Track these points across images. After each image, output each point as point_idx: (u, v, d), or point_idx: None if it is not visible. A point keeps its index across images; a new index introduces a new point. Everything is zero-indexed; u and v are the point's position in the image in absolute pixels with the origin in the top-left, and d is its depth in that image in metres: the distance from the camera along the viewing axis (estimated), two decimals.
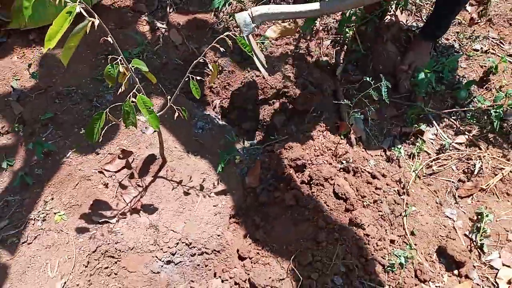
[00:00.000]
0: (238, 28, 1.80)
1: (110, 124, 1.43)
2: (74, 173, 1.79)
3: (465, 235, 1.70)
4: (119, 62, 1.27)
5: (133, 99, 1.34)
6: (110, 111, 1.37)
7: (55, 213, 1.69)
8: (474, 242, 1.68)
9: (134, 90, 1.35)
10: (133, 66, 1.33)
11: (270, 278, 1.55)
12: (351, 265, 1.52)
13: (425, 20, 2.39)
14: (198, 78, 1.42)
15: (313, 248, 1.58)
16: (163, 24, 2.36)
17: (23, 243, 1.62)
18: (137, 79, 1.38)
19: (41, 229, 1.65)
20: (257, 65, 1.80)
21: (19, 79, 2.08)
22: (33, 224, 1.66)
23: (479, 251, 1.67)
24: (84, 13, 1.07)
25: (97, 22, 1.12)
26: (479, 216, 1.71)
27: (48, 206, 1.70)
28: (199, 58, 1.39)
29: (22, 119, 1.94)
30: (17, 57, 2.17)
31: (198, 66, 1.63)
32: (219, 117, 2.15)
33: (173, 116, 1.48)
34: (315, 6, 1.74)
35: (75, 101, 2.00)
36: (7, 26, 2.17)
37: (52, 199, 1.73)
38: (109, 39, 1.21)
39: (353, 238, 1.57)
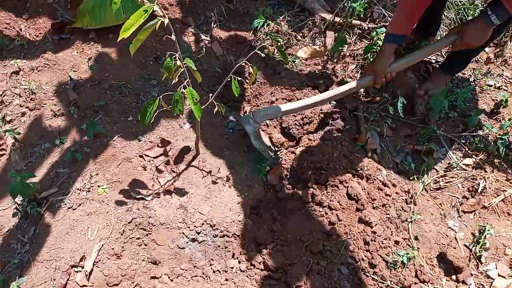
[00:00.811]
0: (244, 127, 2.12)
1: (161, 109, 1.66)
2: (118, 155, 2.02)
3: (466, 245, 1.85)
4: (177, 58, 1.51)
5: (183, 90, 1.58)
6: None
7: (98, 186, 1.91)
8: (473, 253, 1.82)
9: (184, 83, 1.59)
10: (185, 64, 1.57)
11: (282, 262, 1.72)
12: (357, 258, 1.69)
13: (444, 56, 2.60)
14: (239, 78, 1.65)
15: (324, 239, 1.75)
16: (207, 36, 2.64)
17: (68, 208, 1.84)
18: (187, 75, 1.62)
19: (85, 198, 1.87)
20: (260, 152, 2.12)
21: (76, 71, 2.36)
22: (78, 194, 1.89)
23: (477, 261, 1.80)
24: (159, 12, 1.32)
25: (166, 21, 1.37)
26: (480, 231, 1.86)
27: (93, 180, 1.93)
28: (241, 62, 1.63)
29: (76, 105, 2.20)
30: (77, 52, 2.47)
31: (235, 73, 1.88)
32: None
33: (213, 110, 1.72)
34: (311, 100, 2.06)
35: (124, 94, 2.27)
36: (72, 24, 2.49)
37: (97, 174, 1.96)
38: (173, 36, 1.46)
39: (361, 234, 1.74)
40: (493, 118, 2.28)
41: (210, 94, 1.78)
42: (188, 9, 2.80)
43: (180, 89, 1.56)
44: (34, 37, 2.47)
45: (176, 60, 1.51)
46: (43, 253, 1.71)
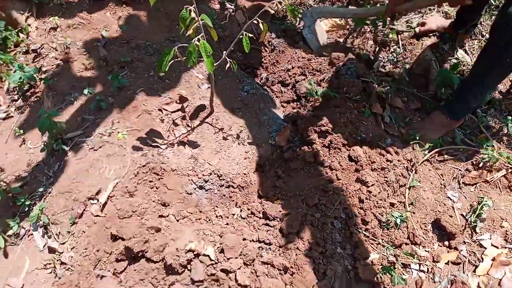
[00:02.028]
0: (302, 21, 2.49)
1: (176, 60, 1.77)
2: (139, 107, 2.18)
3: (462, 215, 1.89)
4: (192, 10, 1.63)
5: (197, 43, 1.69)
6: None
7: (118, 132, 2.07)
8: (469, 223, 1.85)
9: (199, 36, 1.70)
10: (202, 20, 1.68)
11: (280, 211, 1.83)
12: (351, 213, 1.77)
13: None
14: (250, 35, 1.74)
15: (321, 195, 1.84)
16: (232, 5, 2.75)
17: (90, 149, 2.01)
18: (202, 29, 1.73)
19: (106, 141, 2.04)
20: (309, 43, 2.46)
21: (108, 30, 2.53)
22: (100, 137, 2.06)
23: (472, 230, 1.84)
24: None
25: None
26: (479, 203, 1.89)
27: (114, 127, 2.09)
28: (252, 19, 1.73)
29: (105, 60, 2.38)
30: (110, 13, 2.64)
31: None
32: (264, 87, 2.48)
33: (225, 66, 1.83)
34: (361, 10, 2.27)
35: (150, 53, 2.42)
36: None
37: (118, 122, 2.12)
38: None
39: (356, 192, 1.81)
40: (508, 97, 2.27)
41: (224, 51, 1.89)
42: None
43: (194, 41, 1.68)
44: None
45: (192, 11, 1.63)
46: (64, 185, 1.90)
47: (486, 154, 1.99)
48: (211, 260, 1.68)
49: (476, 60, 1.91)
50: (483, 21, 2.66)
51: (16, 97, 2.33)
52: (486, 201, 1.86)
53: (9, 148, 2.13)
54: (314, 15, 2.50)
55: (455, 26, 2.44)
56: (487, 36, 2.57)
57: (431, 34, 2.56)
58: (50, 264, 1.74)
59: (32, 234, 1.82)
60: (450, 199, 1.94)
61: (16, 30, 2.51)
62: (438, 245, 1.81)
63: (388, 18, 2.35)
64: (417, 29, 2.59)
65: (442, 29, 2.52)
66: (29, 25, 2.57)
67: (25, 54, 2.47)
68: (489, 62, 1.80)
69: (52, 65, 2.36)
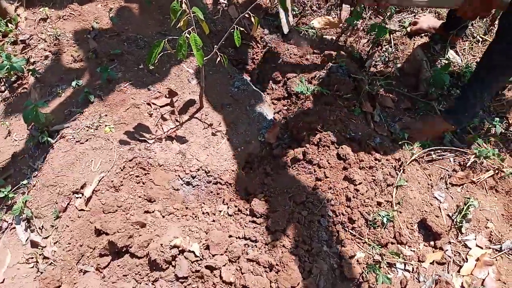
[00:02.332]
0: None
1: (167, 52, 1.75)
2: (127, 100, 2.15)
3: (448, 215, 1.89)
4: (183, 1, 1.61)
5: (187, 35, 1.67)
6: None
7: (106, 126, 2.05)
8: (455, 223, 1.86)
9: (189, 29, 1.68)
10: (193, 12, 1.66)
11: (267, 208, 1.82)
12: (338, 211, 1.76)
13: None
14: (241, 29, 1.73)
15: (308, 192, 1.83)
16: (224, 0, 2.73)
17: (76, 142, 1.99)
18: (193, 22, 1.71)
19: (93, 135, 2.02)
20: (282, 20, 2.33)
21: (99, 23, 2.50)
22: (87, 130, 2.03)
23: (458, 231, 1.84)
24: None
25: None
26: (465, 203, 1.89)
27: (102, 120, 2.07)
28: (243, 13, 1.71)
29: (95, 52, 2.34)
30: (101, 5, 2.60)
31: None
32: (255, 83, 2.47)
33: (216, 60, 1.81)
34: None
35: (140, 46, 2.39)
36: None
37: (106, 115, 2.10)
38: None
39: (344, 190, 1.81)
40: (496, 99, 2.27)
41: (215, 46, 1.87)
42: None
43: (185, 34, 1.66)
44: None
45: (182, 4, 1.60)
46: (49, 178, 1.87)
47: (473, 153, 1.99)
48: (196, 256, 1.67)
49: (480, 59, 1.94)
50: (475, 23, 2.66)
51: (2, 88, 2.29)
52: (472, 201, 1.86)
53: None
54: None
55: (446, 27, 2.44)
56: (478, 37, 2.57)
57: (423, 34, 2.56)
58: (32, 258, 1.72)
59: (14, 227, 1.80)
60: (437, 199, 1.94)
61: (5, 20, 2.47)
62: (424, 245, 1.82)
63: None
64: (408, 29, 2.58)
65: (433, 29, 2.52)
66: (18, 15, 2.53)
67: (13, 45, 2.43)
68: (493, 60, 1.84)
69: (41, 57, 2.33)
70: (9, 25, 2.48)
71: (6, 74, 2.22)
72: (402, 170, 1.96)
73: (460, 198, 1.95)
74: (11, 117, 2.16)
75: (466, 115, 2.03)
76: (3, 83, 2.32)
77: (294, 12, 2.71)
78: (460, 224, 1.84)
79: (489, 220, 1.86)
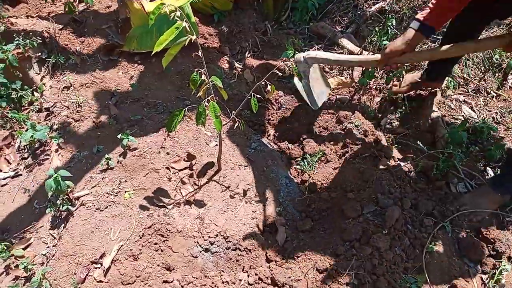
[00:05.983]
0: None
1: (185, 118, 1.79)
2: (147, 165, 2.18)
3: (481, 278, 1.79)
4: (203, 73, 1.67)
5: (206, 104, 1.72)
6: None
7: (125, 192, 2.06)
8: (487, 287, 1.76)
9: (208, 97, 1.73)
10: (211, 81, 1.72)
11: (289, 277, 1.76)
12: (363, 279, 1.69)
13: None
14: (258, 96, 1.77)
15: (332, 258, 1.77)
16: (240, 64, 2.83)
17: (96, 209, 1.99)
18: (212, 91, 1.76)
19: (112, 201, 2.02)
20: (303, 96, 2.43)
21: (120, 89, 2.60)
22: (107, 197, 2.04)
23: None
24: (188, 29, 1.49)
25: (194, 37, 1.53)
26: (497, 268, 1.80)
27: (122, 186, 2.09)
28: (261, 81, 1.76)
29: (116, 118, 2.41)
30: (122, 72, 2.72)
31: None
32: (271, 144, 2.49)
33: (233, 125, 1.84)
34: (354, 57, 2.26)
35: (159, 111, 2.46)
36: (121, 48, 2.76)
37: (126, 181, 2.11)
38: (200, 53, 1.62)
39: (368, 256, 1.75)
40: None
41: (233, 112, 1.91)
42: (226, 39, 3.02)
43: (204, 102, 1.71)
44: (87, 57, 2.76)
45: (202, 75, 1.66)
46: (68, 248, 1.86)
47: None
48: None
49: None
50: (487, 78, 2.68)
51: (26, 155, 2.35)
52: (504, 265, 1.77)
53: (16, 207, 2.11)
54: (309, 61, 2.35)
55: (429, 75, 2.43)
56: (492, 93, 2.58)
57: (436, 89, 2.57)
58: None
59: None
60: (466, 263, 1.85)
61: (31, 89, 2.59)
62: None
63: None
64: (394, 89, 2.62)
65: (415, 83, 2.52)
66: (44, 84, 2.65)
67: (38, 113, 2.52)
68: None
69: (63, 123, 2.41)
70: (35, 93, 2.60)
71: (30, 142, 2.29)
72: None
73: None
74: (33, 184, 2.19)
75: None
76: (26, 150, 2.38)
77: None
78: None
79: None
